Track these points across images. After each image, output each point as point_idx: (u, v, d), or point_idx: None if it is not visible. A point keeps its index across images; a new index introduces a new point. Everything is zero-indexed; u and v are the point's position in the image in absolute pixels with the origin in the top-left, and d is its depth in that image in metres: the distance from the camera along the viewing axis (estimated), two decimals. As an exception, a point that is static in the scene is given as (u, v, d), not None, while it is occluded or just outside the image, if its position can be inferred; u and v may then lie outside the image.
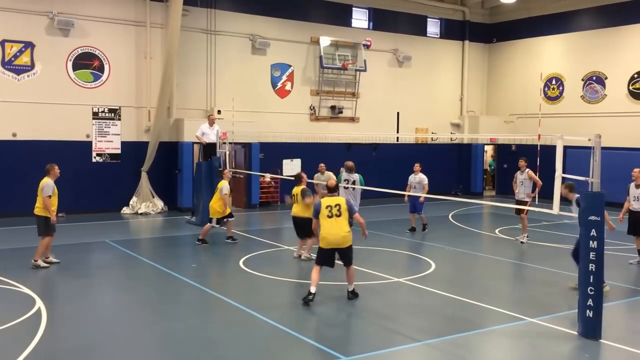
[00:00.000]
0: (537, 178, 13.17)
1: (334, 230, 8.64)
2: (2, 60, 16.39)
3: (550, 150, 8.26)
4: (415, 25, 23.79)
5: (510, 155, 24.12)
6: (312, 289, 8.64)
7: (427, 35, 24.28)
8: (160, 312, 8.46)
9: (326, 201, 8.82)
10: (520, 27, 24.23)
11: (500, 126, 24.36)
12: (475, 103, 25.56)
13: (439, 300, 9.17)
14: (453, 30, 24.76)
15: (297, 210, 11.53)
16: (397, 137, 22.83)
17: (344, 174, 13.77)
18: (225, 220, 13.21)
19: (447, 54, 24.71)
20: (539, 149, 10.29)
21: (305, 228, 11.23)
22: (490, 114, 25.47)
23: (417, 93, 23.73)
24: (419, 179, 14.82)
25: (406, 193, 14.12)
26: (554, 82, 23.16)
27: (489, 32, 25.50)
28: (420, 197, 14.59)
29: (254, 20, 20.17)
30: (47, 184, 10.58)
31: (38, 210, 10.66)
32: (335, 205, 8.72)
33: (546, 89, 23.26)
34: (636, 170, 11.35)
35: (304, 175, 11.89)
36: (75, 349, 6.95)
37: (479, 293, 9.50)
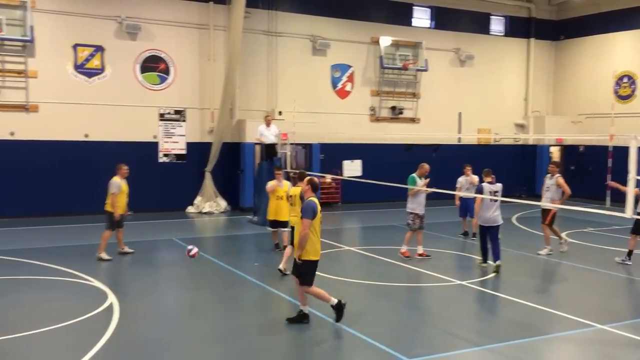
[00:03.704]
0: (566, 186, 12.26)
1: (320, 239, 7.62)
2: (75, 63, 17.19)
3: (622, 151, 7.88)
4: (478, 24, 23.27)
5: (577, 157, 23.22)
6: (334, 301, 7.61)
7: (491, 33, 23.70)
8: (225, 309, 8.64)
9: (317, 203, 7.59)
10: (589, 23, 23.25)
11: (567, 126, 23.45)
12: (541, 103, 24.72)
13: (503, 304, 8.93)
14: (518, 28, 24.05)
15: (297, 216, 10.03)
16: (459, 138, 22.41)
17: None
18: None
19: (511, 52, 24.03)
20: (610, 149, 9.88)
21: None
22: (557, 114, 24.56)
23: (479, 93, 23.21)
24: (471, 180, 14.07)
25: (457, 194, 13.66)
26: (625, 80, 22.08)
27: (556, 29, 24.59)
28: (475, 200, 13.98)
29: (314, 21, 20.30)
30: (114, 182, 11.33)
31: (107, 206, 11.46)
32: (320, 210, 7.61)
33: (617, 87, 22.21)
34: None
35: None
36: (146, 342, 7.18)
37: (544, 298, 9.20)
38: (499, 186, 11.03)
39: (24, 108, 16.55)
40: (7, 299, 8.80)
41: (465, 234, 14.42)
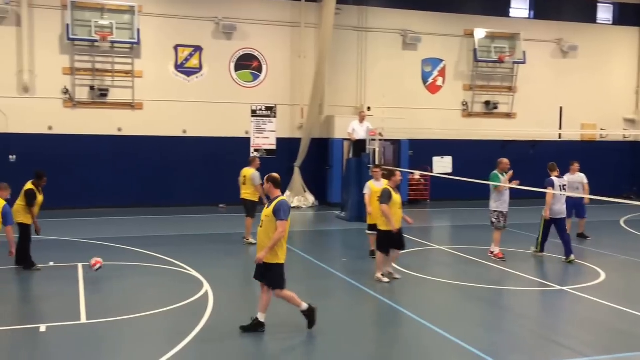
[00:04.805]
0: None
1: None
2: (175, 63, 17.99)
3: None
4: (582, 12, 21.84)
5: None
6: (304, 306, 7.21)
7: (597, 22, 22.18)
8: (314, 302, 8.58)
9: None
10: None
11: (685, 121, 21.49)
12: (654, 96, 22.84)
13: (609, 313, 8.24)
14: (628, 15, 22.31)
15: (378, 217, 9.44)
16: (560, 134, 21.13)
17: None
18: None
19: (620, 42, 22.34)
20: None
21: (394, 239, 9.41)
22: (672, 107, 22.59)
23: (583, 86, 21.77)
24: (579, 178, 13.15)
25: (565, 194, 12.75)
26: None
27: (672, 15, 22.61)
28: (584, 199, 13.13)
29: (405, 16, 19.91)
30: (255, 173, 12.38)
31: (249, 195, 12.53)
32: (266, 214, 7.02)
33: None
34: None
35: (398, 173, 9.67)
36: (237, 331, 7.22)
37: (658, 308, 8.38)
38: (565, 180, 11.85)
39: (130, 106, 17.53)
40: (109, 284, 9.31)
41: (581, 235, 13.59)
